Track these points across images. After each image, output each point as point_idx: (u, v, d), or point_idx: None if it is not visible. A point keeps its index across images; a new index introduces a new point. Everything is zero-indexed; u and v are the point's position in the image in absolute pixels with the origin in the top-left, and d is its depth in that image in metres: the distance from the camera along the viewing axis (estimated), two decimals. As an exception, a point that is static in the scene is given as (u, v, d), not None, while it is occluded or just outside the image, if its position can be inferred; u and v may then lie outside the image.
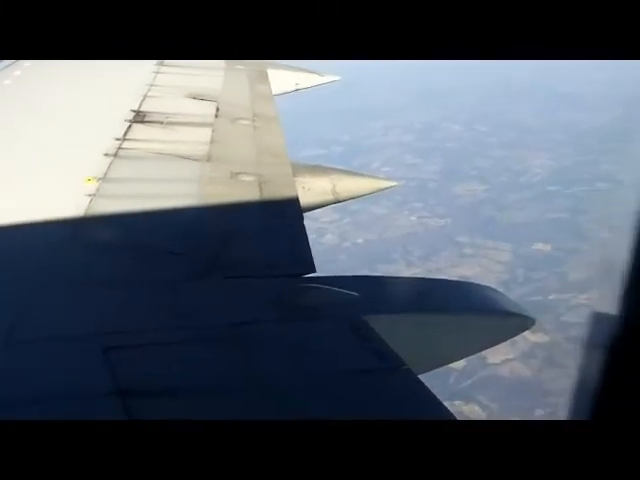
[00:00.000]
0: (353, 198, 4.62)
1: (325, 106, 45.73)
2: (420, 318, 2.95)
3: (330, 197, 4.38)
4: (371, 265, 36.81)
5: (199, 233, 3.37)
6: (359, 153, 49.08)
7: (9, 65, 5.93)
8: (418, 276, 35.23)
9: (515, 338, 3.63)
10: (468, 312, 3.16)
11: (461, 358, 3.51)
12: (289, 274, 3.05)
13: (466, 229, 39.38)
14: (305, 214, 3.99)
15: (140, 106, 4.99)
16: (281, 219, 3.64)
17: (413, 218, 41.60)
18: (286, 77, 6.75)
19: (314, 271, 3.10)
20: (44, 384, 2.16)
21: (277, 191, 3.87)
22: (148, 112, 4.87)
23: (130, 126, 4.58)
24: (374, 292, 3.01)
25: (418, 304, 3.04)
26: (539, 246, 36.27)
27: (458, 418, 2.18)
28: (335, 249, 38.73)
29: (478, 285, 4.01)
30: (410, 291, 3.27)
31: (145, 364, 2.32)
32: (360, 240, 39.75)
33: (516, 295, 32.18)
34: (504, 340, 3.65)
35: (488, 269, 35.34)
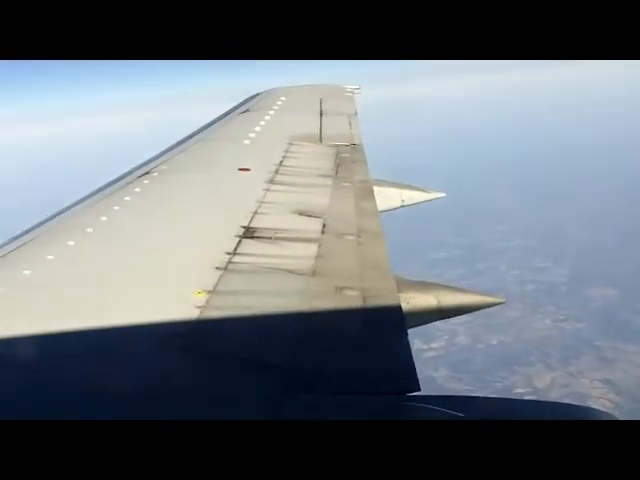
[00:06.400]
0: (459, 314, 4.56)
1: (440, 214, 46.25)
2: None
3: (435, 313, 4.34)
4: (508, 367, 36.13)
5: (302, 346, 3.40)
6: (482, 256, 48.92)
7: (130, 183, 6.41)
8: (559, 380, 34.29)
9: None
10: None
11: None
12: (392, 391, 2.99)
13: (604, 333, 38.02)
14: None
15: (250, 222, 5.20)
16: (385, 334, 3.61)
17: (547, 321, 40.70)
18: (392, 194, 6.87)
19: (418, 389, 3.02)
20: None
21: (381, 306, 3.86)
22: (257, 228, 5.06)
23: (240, 241, 4.78)
24: (482, 413, 2.88)
25: None
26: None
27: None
28: (469, 350, 38.36)
29: (590, 408, 3.76)
30: (518, 414, 3.11)
31: None
32: (494, 342, 39.17)
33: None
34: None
35: (632, 373, 33.91)
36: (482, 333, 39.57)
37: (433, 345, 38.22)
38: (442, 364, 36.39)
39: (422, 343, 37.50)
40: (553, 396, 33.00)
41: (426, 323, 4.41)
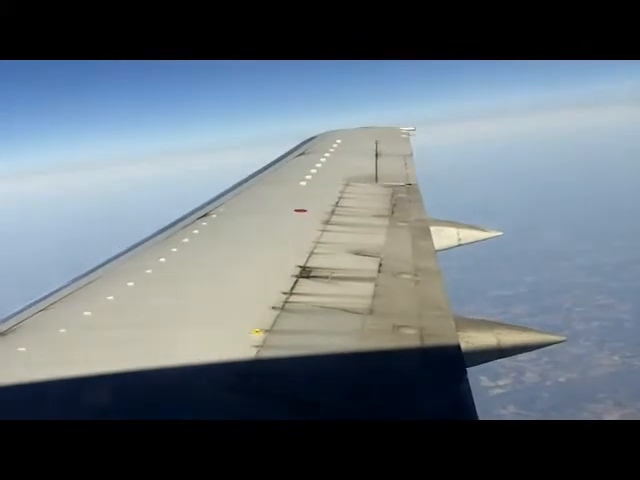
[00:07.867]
0: (520, 352, 4.48)
1: (501, 252, 45.97)
2: None
3: (496, 352, 4.26)
4: (577, 404, 35.36)
5: (360, 385, 3.37)
6: (547, 294, 48.14)
7: (188, 225, 6.53)
8: (630, 417, 33.26)
9: None
10: None
11: None
12: None
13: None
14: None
15: (306, 262, 5.23)
16: (444, 373, 3.55)
17: (615, 358, 39.83)
18: (449, 233, 6.84)
19: None
20: None
21: (440, 345, 3.81)
22: (314, 268, 5.10)
23: (297, 281, 4.81)
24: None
25: None
26: None
27: None
28: (537, 387, 37.77)
29: None
30: None
31: None
32: (562, 379, 38.51)
33: None
34: None
35: None
36: (549, 370, 38.91)
37: (500, 382, 37.77)
38: (510, 401, 35.84)
39: (489, 380, 37.01)
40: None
41: (486, 362, 4.33)
